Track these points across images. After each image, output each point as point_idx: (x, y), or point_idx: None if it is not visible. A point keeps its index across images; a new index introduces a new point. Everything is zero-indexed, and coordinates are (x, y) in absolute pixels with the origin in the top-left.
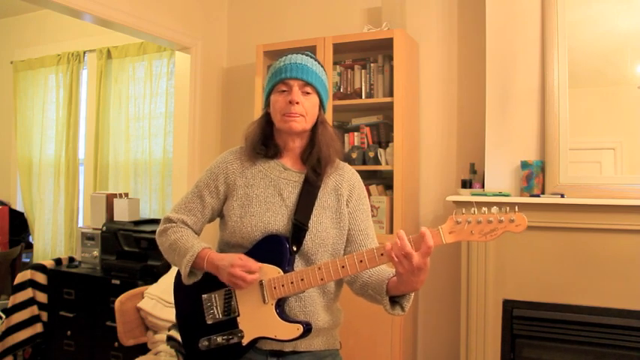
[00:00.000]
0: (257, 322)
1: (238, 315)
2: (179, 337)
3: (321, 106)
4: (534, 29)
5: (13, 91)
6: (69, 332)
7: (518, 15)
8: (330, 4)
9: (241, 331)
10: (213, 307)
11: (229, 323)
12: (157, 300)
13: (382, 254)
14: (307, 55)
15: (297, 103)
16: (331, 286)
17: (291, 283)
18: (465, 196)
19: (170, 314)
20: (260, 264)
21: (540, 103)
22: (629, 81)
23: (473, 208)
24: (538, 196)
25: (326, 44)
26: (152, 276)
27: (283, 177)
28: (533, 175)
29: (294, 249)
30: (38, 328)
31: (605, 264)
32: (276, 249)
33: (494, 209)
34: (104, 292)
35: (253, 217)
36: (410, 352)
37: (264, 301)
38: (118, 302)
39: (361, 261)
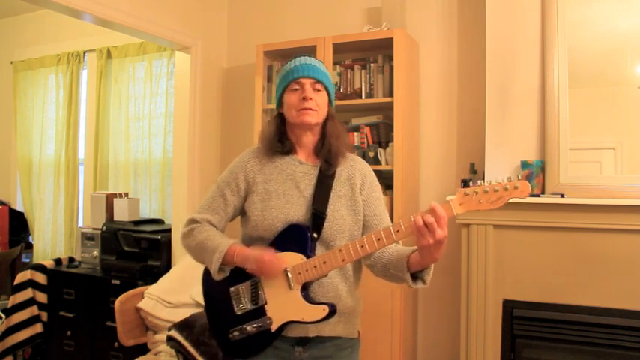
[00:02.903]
0: (284, 307)
1: (266, 303)
2: (179, 337)
3: (330, 102)
4: (534, 29)
5: (13, 91)
6: (69, 332)
7: (518, 15)
8: (330, 4)
9: (270, 318)
10: (241, 297)
11: (258, 312)
12: (157, 300)
13: (398, 231)
14: (312, 56)
15: (311, 98)
16: (350, 272)
17: (315, 267)
18: None
19: (170, 314)
20: (283, 256)
21: (540, 103)
22: (629, 81)
23: (479, 181)
24: (538, 196)
25: (326, 44)
26: (152, 276)
27: (299, 171)
28: (533, 175)
29: (315, 236)
30: (38, 328)
31: (605, 264)
32: (298, 237)
33: (499, 179)
34: (104, 292)
35: (274, 210)
36: (410, 352)
37: (289, 287)
38: (118, 302)
39: (379, 239)
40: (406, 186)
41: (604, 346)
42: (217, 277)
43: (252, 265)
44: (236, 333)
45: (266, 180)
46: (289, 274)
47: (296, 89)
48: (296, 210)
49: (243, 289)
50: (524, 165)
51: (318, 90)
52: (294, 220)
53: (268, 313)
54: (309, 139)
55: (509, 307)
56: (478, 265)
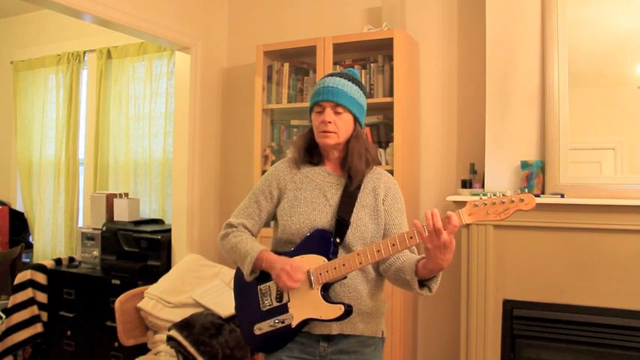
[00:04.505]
0: (305, 305)
1: (289, 300)
2: (179, 337)
3: (357, 121)
4: (534, 29)
5: (13, 91)
6: (69, 332)
7: (518, 15)
8: (330, 4)
9: (291, 315)
10: (268, 295)
11: (281, 309)
12: (157, 300)
13: (411, 237)
14: (343, 76)
15: (330, 122)
16: (372, 274)
17: (334, 268)
18: (465, 196)
19: (170, 314)
20: (304, 275)
21: (540, 103)
22: (629, 81)
23: (489, 193)
24: (538, 196)
25: (326, 44)
26: (152, 276)
27: (327, 181)
28: (533, 175)
29: (338, 241)
30: (38, 328)
31: (605, 264)
32: (322, 241)
33: (507, 192)
34: (104, 292)
35: (301, 216)
36: (410, 352)
37: (311, 286)
38: (118, 302)
39: (393, 244)
40: (406, 186)
41: (604, 346)
42: (249, 279)
43: (274, 278)
44: (260, 328)
45: (296, 188)
46: (311, 275)
47: (319, 112)
48: (322, 217)
49: (270, 287)
50: (524, 165)
51: (339, 113)
52: (320, 226)
53: (290, 311)
54: (335, 155)
55: (509, 307)
56: (478, 265)
